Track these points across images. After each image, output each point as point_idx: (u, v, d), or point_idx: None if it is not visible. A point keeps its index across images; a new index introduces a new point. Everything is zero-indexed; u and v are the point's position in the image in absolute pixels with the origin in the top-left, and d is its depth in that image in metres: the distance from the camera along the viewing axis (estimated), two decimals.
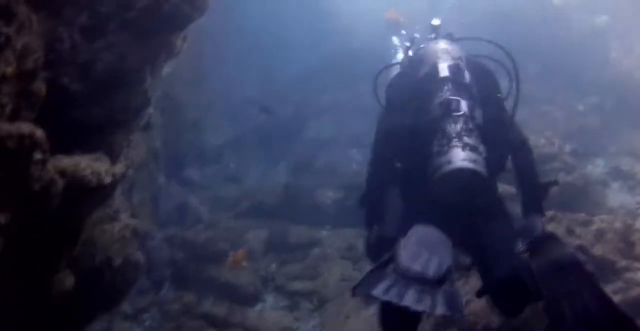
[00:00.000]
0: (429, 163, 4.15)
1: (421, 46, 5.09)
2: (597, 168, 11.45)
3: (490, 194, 4.45)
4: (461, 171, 4.01)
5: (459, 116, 4.23)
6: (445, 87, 4.41)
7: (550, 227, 6.62)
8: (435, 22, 5.25)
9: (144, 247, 8.89)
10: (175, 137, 11.48)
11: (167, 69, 6.30)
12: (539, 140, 10.20)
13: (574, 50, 14.69)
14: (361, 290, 3.46)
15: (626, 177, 11.11)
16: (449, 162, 4.02)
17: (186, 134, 12.12)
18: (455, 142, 4.09)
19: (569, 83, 14.38)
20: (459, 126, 4.18)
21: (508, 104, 4.78)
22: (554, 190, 4.63)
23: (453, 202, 4.20)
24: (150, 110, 6.27)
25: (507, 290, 3.96)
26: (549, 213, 7.01)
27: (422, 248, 3.72)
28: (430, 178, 4.12)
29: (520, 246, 4.08)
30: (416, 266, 3.56)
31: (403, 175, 4.65)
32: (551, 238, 3.95)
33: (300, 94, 15.09)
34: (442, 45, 4.83)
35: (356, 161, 12.02)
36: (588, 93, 14.23)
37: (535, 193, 4.56)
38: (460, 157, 4.02)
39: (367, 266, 8.37)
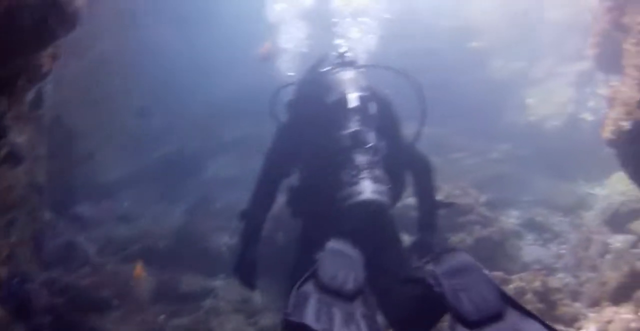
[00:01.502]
0: (338, 191, 4.37)
1: (327, 71, 5.19)
2: (511, 219, 11.04)
3: (388, 222, 4.79)
4: (371, 202, 4.30)
5: (368, 148, 4.48)
6: (354, 118, 4.60)
7: None
8: (343, 49, 5.40)
9: (21, 291, 8.13)
10: (66, 168, 10.63)
11: (48, 90, 5.50)
12: (454, 191, 9.68)
13: (490, 95, 14.52)
14: (292, 318, 3.33)
15: (541, 229, 10.78)
16: (360, 193, 4.28)
17: (79, 166, 11.21)
18: (365, 173, 4.34)
19: (484, 130, 14.07)
20: (367, 157, 4.43)
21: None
22: (469, 245, 4.63)
23: (357, 228, 4.31)
24: (15, 140, 5.47)
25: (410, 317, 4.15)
26: None
27: (339, 264, 3.76)
28: (340, 206, 4.34)
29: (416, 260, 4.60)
30: (335, 283, 3.58)
31: (305, 197, 4.85)
32: (451, 250, 4.04)
33: (206, 128, 14.38)
34: (350, 74, 5.01)
35: None
36: (502, 140, 14.03)
37: (431, 212, 5.26)
38: (370, 188, 4.30)
39: (262, 320, 7.61)
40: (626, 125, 6.72)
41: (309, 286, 3.55)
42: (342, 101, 4.69)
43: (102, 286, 9.24)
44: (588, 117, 13.27)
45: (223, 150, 13.99)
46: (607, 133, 7.11)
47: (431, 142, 12.68)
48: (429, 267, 3.82)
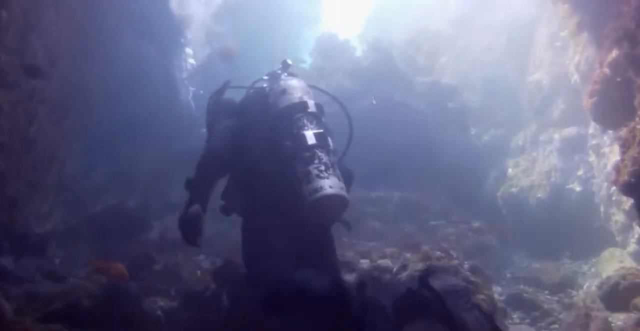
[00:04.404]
0: (307, 184, 4.59)
1: (278, 77, 5.64)
2: (494, 294, 9.80)
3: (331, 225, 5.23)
4: (338, 197, 4.56)
5: (329, 148, 4.86)
6: (315, 122, 5.00)
7: None
8: (289, 61, 5.79)
9: None
10: None
11: None
12: (434, 252, 8.44)
13: (469, 161, 14.22)
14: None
15: (528, 307, 9.59)
16: (331, 186, 4.53)
17: (1, 213, 9.85)
18: (331, 170, 4.66)
19: (463, 197, 13.55)
20: (329, 157, 4.78)
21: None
22: None
23: (319, 220, 4.79)
24: None
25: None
26: None
27: None
28: (309, 197, 4.55)
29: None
30: None
31: (259, 191, 5.04)
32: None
33: (150, 188, 13.45)
34: (302, 82, 5.42)
35: (202, 268, 10.22)
36: (483, 210, 13.42)
37: None
38: (338, 184, 4.60)
39: None
40: None
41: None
42: (302, 105, 5.05)
43: None
44: (576, 187, 12.32)
45: (169, 211, 12.88)
46: (624, 176, 6.22)
47: (406, 206, 11.64)
48: (425, 282, 4.21)
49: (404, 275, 8.04)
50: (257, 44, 19.49)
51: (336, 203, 4.59)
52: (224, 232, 9.73)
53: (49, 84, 10.24)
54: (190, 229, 5.09)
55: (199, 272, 9.87)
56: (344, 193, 4.59)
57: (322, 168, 4.61)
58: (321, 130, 4.88)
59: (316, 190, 4.51)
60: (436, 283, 4.16)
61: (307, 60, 19.93)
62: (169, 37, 14.86)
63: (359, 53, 17.68)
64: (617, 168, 6.46)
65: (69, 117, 11.53)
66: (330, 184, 4.52)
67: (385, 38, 16.92)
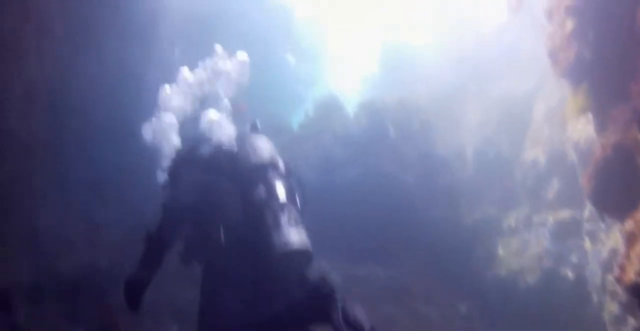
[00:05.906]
0: (275, 232, 4.91)
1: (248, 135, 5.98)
2: None
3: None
4: (304, 252, 5.00)
5: (297, 204, 5.34)
6: (282, 180, 5.42)
7: None
8: (258, 124, 6.19)
9: None
10: None
11: None
12: None
13: (457, 240, 13.86)
14: None
15: None
16: (299, 240, 4.95)
17: None
18: (299, 223, 5.07)
19: (449, 279, 13.05)
20: (297, 212, 5.18)
21: None
22: None
23: (283, 272, 4.97)
24: None
25: None
26: None
27: None
28: (277, 249, 4.88)
29: None
30: None
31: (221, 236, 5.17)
32: None
33: (125, 243, 12.59)
34: (270, 143, 5.82)
35: None
36: (470, 294, 12.97)
37: None
38: (305, 238, 5.02)
39: None
40: None
41: None
42: (274, 163, 5.53)
43: None
44: (568, 273, 11.87)
45: None
46: (631, 274, 5.86)
47: (389, 287, 11.24)
48: None
49: None
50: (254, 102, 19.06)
51: (302, 257, 4.98)
52: None
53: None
54: (132, 297, 5.66)
55: None
56: (308, 247, 4.97)
57: (292, 222, 4.98)
58: (290, 187, 5.39)
59: (285, 244, 4.88)
60: None
61: (298, 119, 19.61)
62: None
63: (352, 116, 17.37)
64: (622, 265, 6.06)
65: (46, 157, 10.99)
66: (298, 236, 4.92)
67: (379, 101, 16.60)
